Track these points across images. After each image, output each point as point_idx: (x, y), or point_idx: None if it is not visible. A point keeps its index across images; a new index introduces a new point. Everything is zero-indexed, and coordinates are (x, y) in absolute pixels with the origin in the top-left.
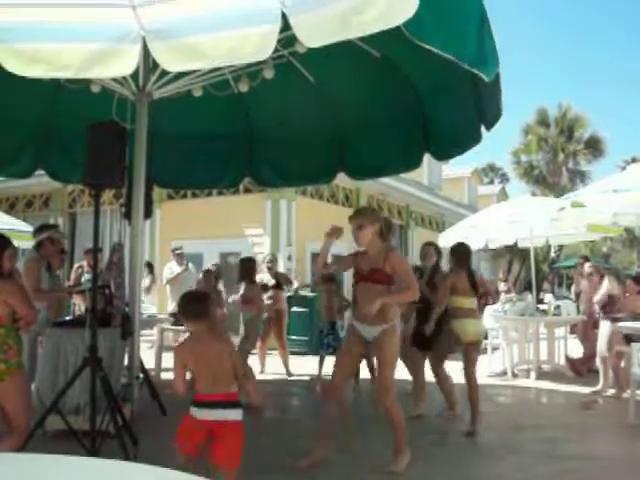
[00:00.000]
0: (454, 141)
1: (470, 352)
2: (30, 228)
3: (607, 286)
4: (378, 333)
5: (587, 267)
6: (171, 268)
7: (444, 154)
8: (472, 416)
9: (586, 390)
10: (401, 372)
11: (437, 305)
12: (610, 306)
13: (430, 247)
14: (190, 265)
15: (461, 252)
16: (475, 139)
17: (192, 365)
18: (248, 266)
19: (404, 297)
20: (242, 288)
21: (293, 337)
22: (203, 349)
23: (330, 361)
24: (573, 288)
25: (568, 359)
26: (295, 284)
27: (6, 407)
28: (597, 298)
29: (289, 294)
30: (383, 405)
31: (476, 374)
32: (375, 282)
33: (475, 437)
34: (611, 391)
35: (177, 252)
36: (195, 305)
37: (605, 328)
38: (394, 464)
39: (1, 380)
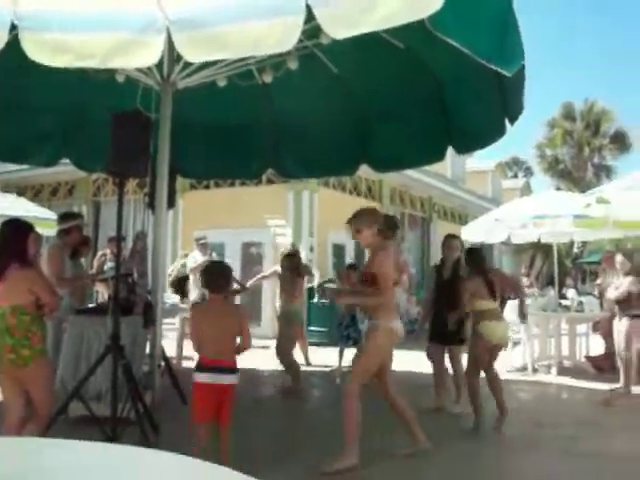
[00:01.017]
0: (477, 134)
1: (495, 355)
2: (55, 216)
3: (629, 283)
4: (367, 328)
5: (619, 258)
6: (195, 258)
7: (466, 147)
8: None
9: (607, 387)
10: (418, 365)
11: (458, 307)
12: (628, 302)
13: (455, 240)
14: (214, 254)
15: (477, 257)
16: (499, 133)
17: (203, 328)
18: (293, 260)
19: (367, 302)
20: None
21: (312, 328)
22: (216, 317)
23: (350, 353)
24: (596, 284)
25: (588, 358)
26: (316, 277)
27: (30, 392)
28: (616, 294)
29: (309, 285)
30: (344, 387)
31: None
32: (365, 283)
33: (499, 432)
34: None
35: (201, 242)
36: (215, 277)
37: (623, 325)
38: (329, 462)
39: (25, 365)
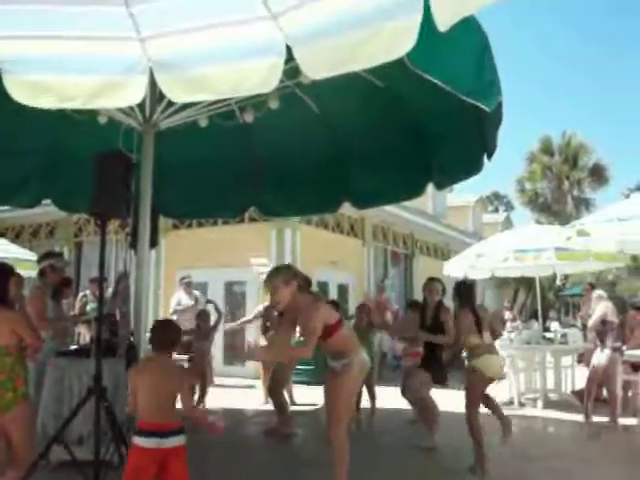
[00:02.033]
0: (456, 170)
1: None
2: (35, 257)
3: (601, 311)
4: (336, 367)
5: (596, 293)
6: (179, 298)
7: (446, 182)
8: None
9: (594, 420)
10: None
11: (449, 341)
12: (604, 334)
13: (437, 283)
14: (197, 293)
15: (466, 290)
16: (477, 168)
17: (139, 390)
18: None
19: (295, 353)
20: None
21: (297, 366)
22: (155, 377)
23: None
24: (579, 316)
25: (574, 393)
26: None
27: (12, 436)
28: (590, 323)
29: None
30: (329, 435)
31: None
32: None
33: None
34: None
35: (185, 281)
36: (162, 335)
37: (604, 357)
38: None
39: (8, 409)
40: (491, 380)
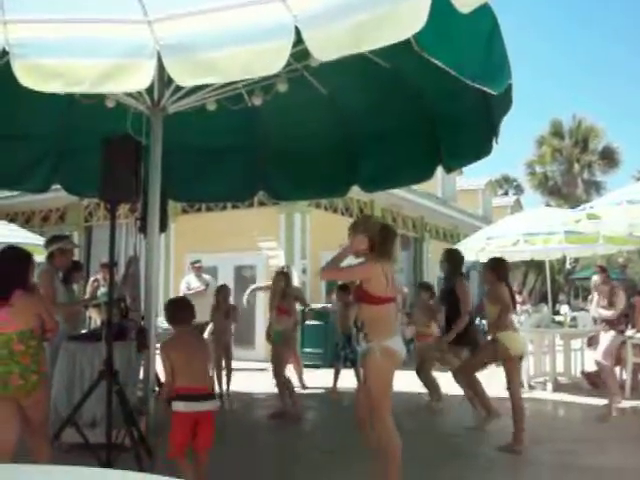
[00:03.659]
0: (465, 152)
1: (512, 370)
2: None
3: (622, 303)
4: (363, 352)
5: (595, 278)
6: (188, 282)
7: (455, 165)
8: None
9: (603, 402)
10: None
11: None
12: (618, 319)
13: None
14: (208, 277)
15: (502, 267)
16: (486, 151)
17: (176, 360)
18: (287, 279)
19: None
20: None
21: (307, 350)
22: (186, 347)
23: (346, 374)
24: (590, 300)
25: (584, 374)
26: (309, 305)
27: (34, 417)
28: (610, 313)
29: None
30: (375, 432)
31: (519, 393)
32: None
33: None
34: (625, 402)
35: (196, 265)
36: (180, 311)
37: (607, 340)
38: None
39: (34, 391)
40: (516, 360)
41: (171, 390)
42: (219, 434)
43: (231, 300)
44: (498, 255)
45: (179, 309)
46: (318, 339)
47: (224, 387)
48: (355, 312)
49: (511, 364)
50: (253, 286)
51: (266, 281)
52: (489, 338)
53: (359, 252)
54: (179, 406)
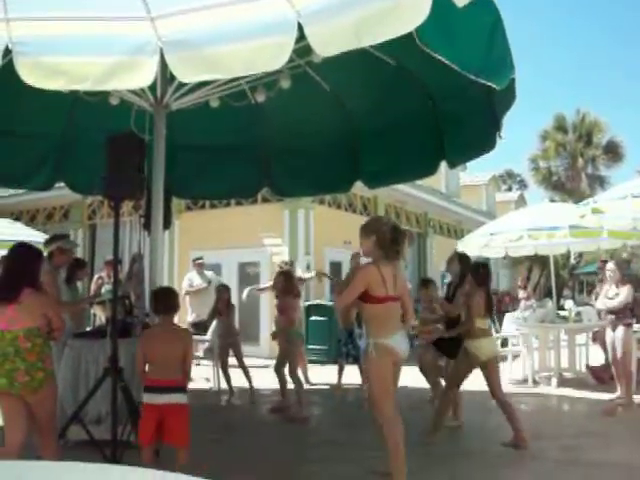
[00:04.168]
0: (469, 148)
1: (491, 372)
2: None
3: (626, 295)
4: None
5: (609, 266)
6: (190, 279)
7: (458, 160)
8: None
9: (608, 397)
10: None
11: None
12: (623, 311)
13: (454, 257)
14: (211, 274)
15: (483, 273)
16: (489, 146)
17: (147, 350)
18: (285, 279)
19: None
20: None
21: (312, 346)
22: (159, 338)
23: (349, 370)
24: (594, 294)
25: (589, 368)
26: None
27: (41, 414)
28: (613, 305)
29: (308, 303)
30: (377, 422)
31: (502, 392)
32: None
33: (523, 449)
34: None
35: (198, 262)
36: (158, 302)
37: (619, 334)
38: None
39: (40, 388)
40: (490, 366)
41: (142, 379)
42: (225, 429)
43: (234, 297)
44: (502, 250)
45: (157, 299)
46: (322, 335)
47: (236, 384)
48: (356, 308)
49: (486, 370)
50: (252, 287)
51: (269, 279)
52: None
53: (368, 254)
54: (144, 397)
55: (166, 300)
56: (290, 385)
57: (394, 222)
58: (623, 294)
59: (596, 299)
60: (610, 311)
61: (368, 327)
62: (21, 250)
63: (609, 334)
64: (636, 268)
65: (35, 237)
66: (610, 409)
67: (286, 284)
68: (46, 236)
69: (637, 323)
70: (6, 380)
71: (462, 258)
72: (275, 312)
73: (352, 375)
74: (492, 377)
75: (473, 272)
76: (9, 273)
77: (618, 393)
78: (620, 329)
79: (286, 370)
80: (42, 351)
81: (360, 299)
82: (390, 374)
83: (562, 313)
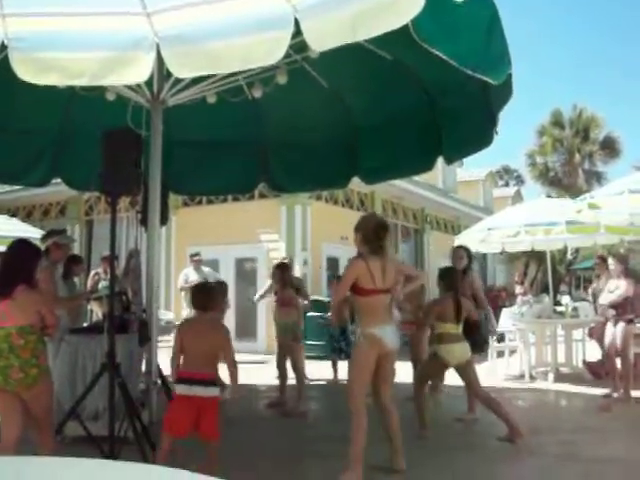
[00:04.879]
0: (466, 144)
1: (467, 374)
2: None
3: (625, 288)
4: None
5: (611, 260)
6: (186, 275)
7: (455, 156)
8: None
9: (604, 392)
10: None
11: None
12: (623, 306)
13: (460, 250)
14: (208, 270)
15: (450, 277)
16: (486, 141)
17: (187, 342)
18: (282, 271)
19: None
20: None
21: (309, 342)
22: (197, 332)
23: (343, 365)
24: (591, 288)
25: (586, 363)
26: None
27: (36, 410)
28: (612, 298)
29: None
30: (348, 404)
31: (483, 390)
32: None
33: (519, 443)
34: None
35: (195, 258)
36: (196, 298)
37: (619, 330)
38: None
39: (35, 384)
40: (464, 368)
41: (175, 370)
42: (221, 423)
43: (231, 293)
44: (499, 246)
45: (195, 295)
46: (320, 331)
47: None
48: (348, 305)
49: (460, 372)
50: (257, 295)
51: (267, 275)
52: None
53: (359, 249)
54: (178, 388)
55: (201, 298)
56: (290, 381)
57: (380, 219)
58: (623, 287)
59: (592, 295)
60: (611, 305)
61: (358, 318)
62: (18, 247)
63: (610, 329)
64: (633, 264)
65: (31, 233)
66: (606, 405)
67: (283, 276)
68: (43, 232)
69: (636, 318)
70: (1, 377)
71: (468, 252)
72: (273, 307)
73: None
74: (469, 377)
75: (441, 276)
76: (4, 269)
77: (611, 389)
78: (620, 325)
79: (288, 365)
80: (36, 348)
81: (352, 291)
82: (370, 365)
83: (559, 308)
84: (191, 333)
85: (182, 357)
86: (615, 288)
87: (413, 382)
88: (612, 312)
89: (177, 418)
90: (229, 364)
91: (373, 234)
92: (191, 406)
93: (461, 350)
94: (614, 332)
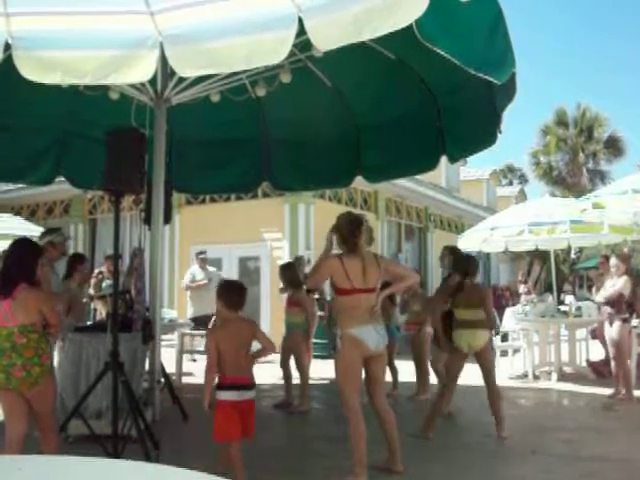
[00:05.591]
0: (470, 142)
1: (480, 362)
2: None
3: (622, 285)
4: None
5: (613, 261)
6: (193, 273)
7: (459, 155)
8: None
9: (608, 392)
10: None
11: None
12: (619, 305)
13: (444, 251)
14: (213, 270)
15: (463, 259)
16: (490, 140)
17: (224, 347)
18: (291, 271)
19: None
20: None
21: (314, 340)
22: (234, 338)
23: None
24: (594, 289)
25: (589, 363)
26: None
27: (39, 409)
28: (607, 294)
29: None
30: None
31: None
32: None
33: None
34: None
35: (201, 256)
36: (241, 295)
37: (615, 329)
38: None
39: (37, 383)
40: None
41: (212, 378)
42: None
43: None
44: (502, 245)
45: (231, 294)
46: (323, 330)
47: None
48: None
49: (477, 360)
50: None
51: (270, 275)
52: None
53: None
54: (229, 395)
55: (242, 297)
56: (295, 380)
57: (354, 216)
58: (619, 284)
59: (596, 293)
60: (607, 302)
61: (338, 317)
62: (20, 245)
63: (607, 328)
64: (636, 263)
65: (34, 232)
66: (609, 405)
67: (292, 276)
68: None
69: (637, 318)
70: (3, 375)
71: (453, 252)
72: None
73: None
74: (483, 365)
75: (455, 266)
76: (6, 268)
77: (615, 389)
78: (616, 324)
79: (293, 364)
80: (38, 346)
81: (334, 291)
82: (355, 367)
83: (562, 308)
84: (227, 337)
85: (220, 363)
86: (612, 286)
87: (446, 377)
88: (608, 310)
89: (230, 424)
90: (265, 345)
91: (348, 232)
92: (237, 410)
93: (472, 336)
94: (610, 331)
